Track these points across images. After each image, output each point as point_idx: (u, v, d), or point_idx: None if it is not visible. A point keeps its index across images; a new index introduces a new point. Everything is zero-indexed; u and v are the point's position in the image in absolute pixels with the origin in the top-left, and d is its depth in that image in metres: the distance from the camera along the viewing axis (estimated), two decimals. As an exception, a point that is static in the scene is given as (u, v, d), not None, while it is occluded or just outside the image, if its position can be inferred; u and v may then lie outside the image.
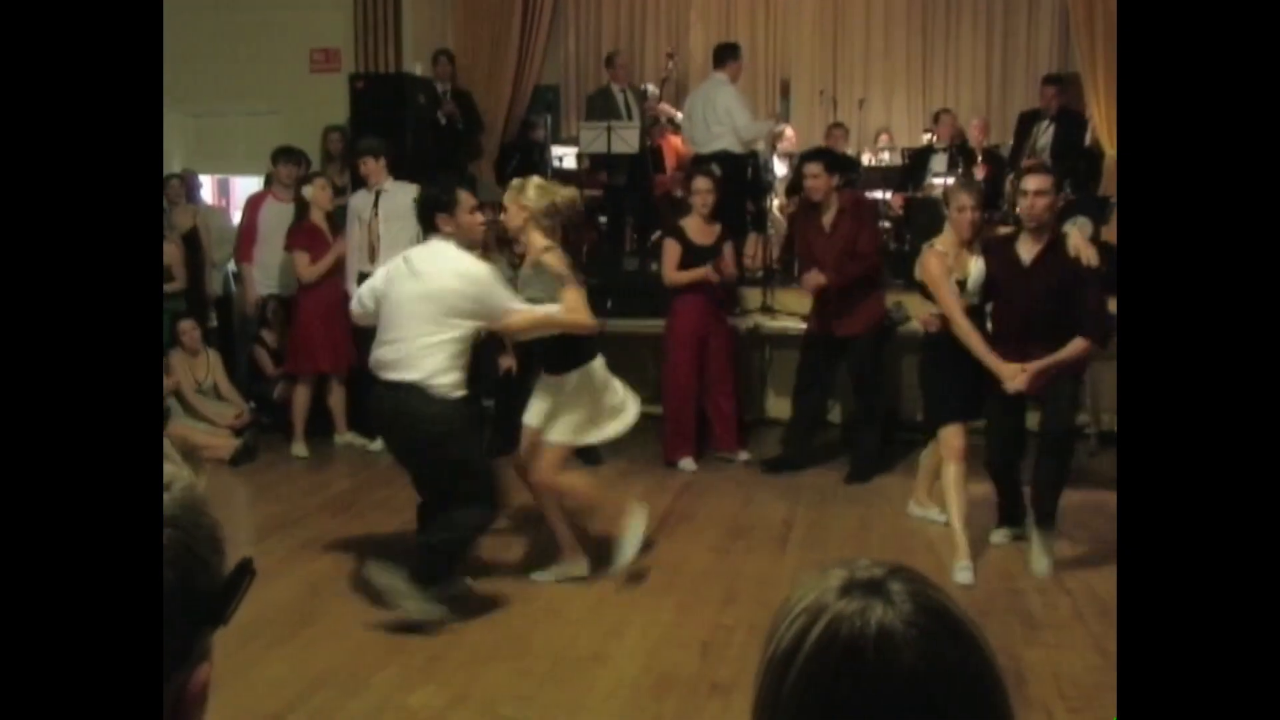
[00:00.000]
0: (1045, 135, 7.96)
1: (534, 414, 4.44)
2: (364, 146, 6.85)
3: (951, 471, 4.67)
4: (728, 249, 6.21)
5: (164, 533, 0.71)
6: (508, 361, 6.18)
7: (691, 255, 6.08)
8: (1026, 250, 4.46)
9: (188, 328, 6.69)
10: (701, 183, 6.11)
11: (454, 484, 3.99)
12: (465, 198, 4.12)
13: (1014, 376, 4.41)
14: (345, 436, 6.82)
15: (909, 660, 0.80)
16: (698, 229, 6.10)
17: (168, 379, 6.51)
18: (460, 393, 4.03)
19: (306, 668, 3.61)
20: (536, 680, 3.56)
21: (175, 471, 0.76)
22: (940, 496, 4.96)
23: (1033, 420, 4.84)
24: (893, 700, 0.79)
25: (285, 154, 7.22)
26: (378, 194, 6.64)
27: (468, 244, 4.15)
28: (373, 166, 6.64)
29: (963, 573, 4.45)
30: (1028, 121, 8.26)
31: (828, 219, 5.89)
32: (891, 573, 0.86)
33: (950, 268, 4.66)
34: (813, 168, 5.88)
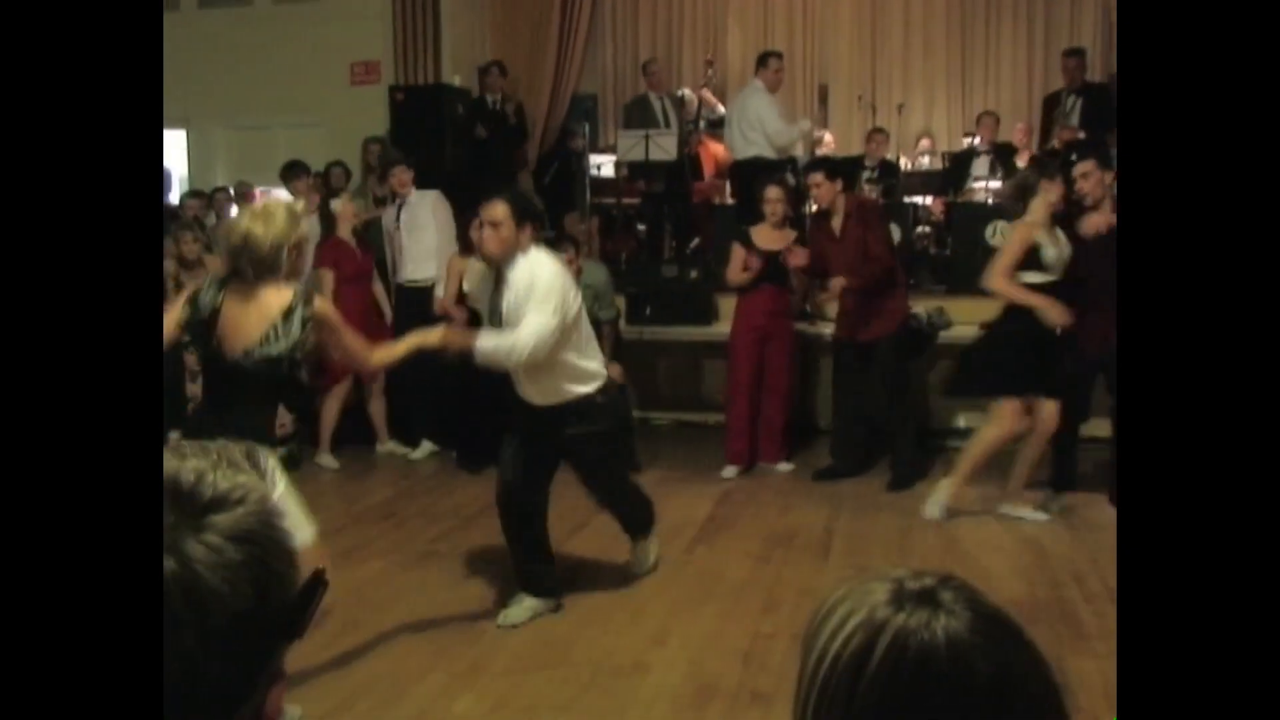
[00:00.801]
0: (1074, 109, 7.84)
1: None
2: (394, 158, 6.93)
3: (992, 434, 5.11)
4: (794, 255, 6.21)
5: (242, 549, 0.69)
6: (613, 371, 6.18)
7: (757, 261, 6.12)
8: (1089, 226, 5.12)
9: None
10: (772, 191, 6.12)
11: None
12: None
13: (1061, 315, 4.87)
14: (387, 445, 6.85)
15: (983, 669, 0.80)
16: (767, 236, 6.11)
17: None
18: None
19: (349, 675, 3.63)
20: (577, 688, 3.56)
21: (251, 483, 0.73)
22: (1030, 498, 5.28)
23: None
24: (971, 711, 0.79)
25: (291, 169, 7.25)
26: (400, 205, 6.69)
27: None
28: (404, 177, 6.68)
29: (933, 506, 5.18)
30: (1052, 102, 8.17)
31: (836, 224, 5.91)
32: (941, 582, 0.86)
33: (1037, 240, 5.01)
34: (815, 177, 5.95)
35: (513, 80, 8.97)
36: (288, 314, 3.22)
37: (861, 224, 5.85)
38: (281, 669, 0.75)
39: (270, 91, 8.82)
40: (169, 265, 6.99)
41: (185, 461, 0.72)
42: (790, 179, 7.82)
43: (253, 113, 9.03)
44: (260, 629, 0.70)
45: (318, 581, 0.76)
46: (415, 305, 6.55)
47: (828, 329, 6.74)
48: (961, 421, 6.91)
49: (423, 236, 6.60)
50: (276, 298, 3.23)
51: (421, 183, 6.84)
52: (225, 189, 8.28)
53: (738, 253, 6.15)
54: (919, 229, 8.11)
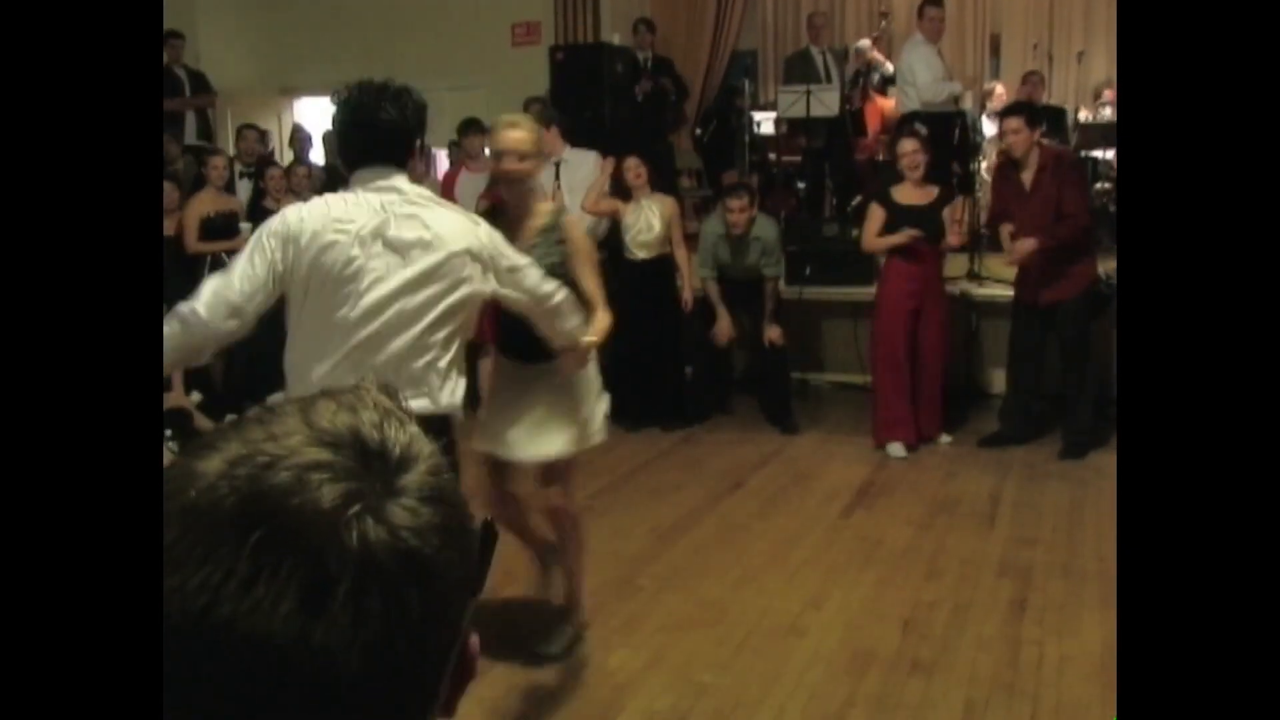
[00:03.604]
0: None
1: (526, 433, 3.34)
2: (544, 118, 6.89)
3: None
4: (948, 213, 5.82)
5: (437, 510, 0.63)
6: (773, 333, 6.15)
7: (898, 219, 5.67)
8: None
9: None
10: (906, 144, 5.72)
11: None
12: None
13: None
14: None
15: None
16: (907, 193, 5.70)
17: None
18: None
19: (507, 629, 3.70)
20: (732, 648, 3.53)
21: (418, 434, 0.66)
22: None
23: None
24: None
25: (470, 125, 7.38)
26: (557, 165, 6.65)
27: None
28: (546, 138, 6.60)
29: None
30: None
31: (1028, 177, 5.47)
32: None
33: None
34: (1013, 122, 5.46)
35: (671, 38, 8.88)
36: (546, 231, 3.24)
37: (1057, 179, 5.39)
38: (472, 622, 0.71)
39: (435, 55, 9.01)
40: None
41: (360, 414, 0.64)
42: (956, 133, 7.54)
43: (419, 76, 9.21)
44: (466, 589, 0.66)
45: (490, 532, 0.72)
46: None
47: (997, 291, 6.45)
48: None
49: (576, 197, 6.59)
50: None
51: (583, 141, 6.82)
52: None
53: (875, 214, 5.73)
54: (1099, 185, 7.67)
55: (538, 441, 3.31)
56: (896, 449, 5.74)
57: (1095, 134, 8.10)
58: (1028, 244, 5.38)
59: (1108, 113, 8.53)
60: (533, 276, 2.83)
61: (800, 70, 8.27)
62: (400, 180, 2.58)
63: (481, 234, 2.68)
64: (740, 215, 6.06)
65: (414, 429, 0.66)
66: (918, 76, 7.35)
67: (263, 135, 8.30)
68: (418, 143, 2.64)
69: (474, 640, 0.70)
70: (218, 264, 6.77)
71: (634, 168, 6.18)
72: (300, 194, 7.42)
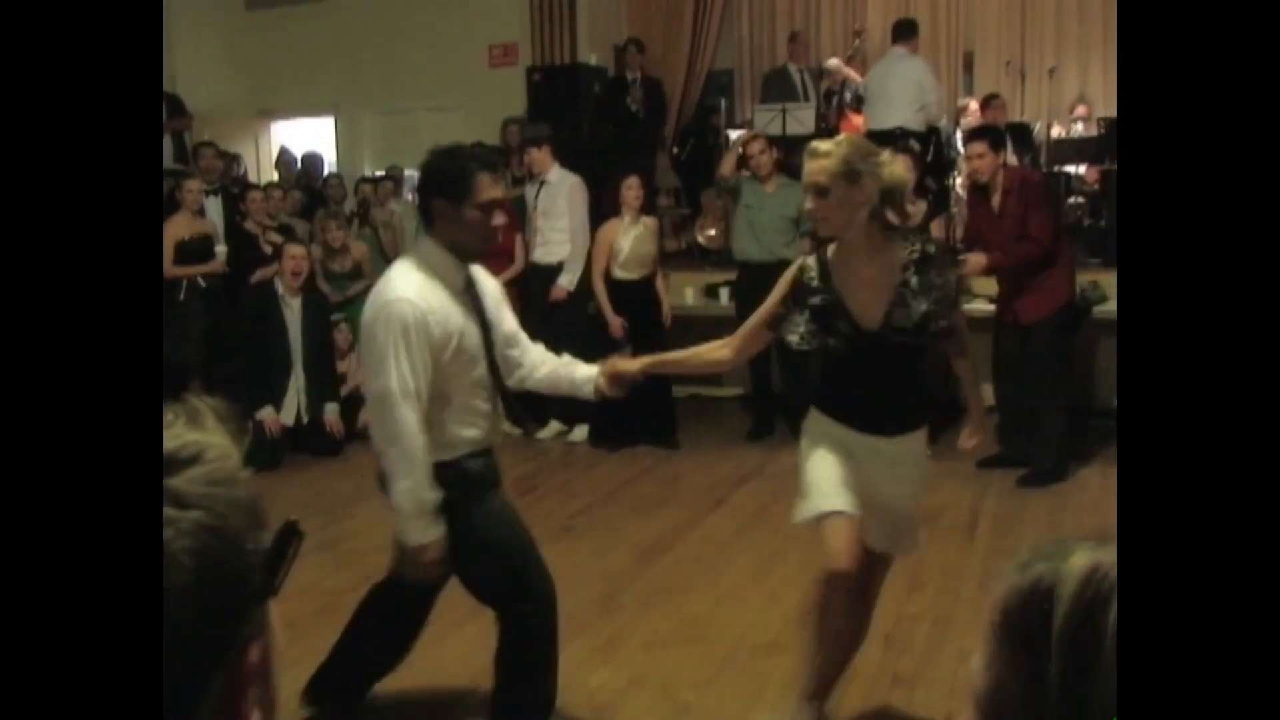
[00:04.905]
0: None
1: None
2: (527, 136, 6.87)
3: None
4: (934, 227, 5.95)
5: (190, 516, 0.64)
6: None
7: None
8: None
9: None
10: (902, 161, 5.89)
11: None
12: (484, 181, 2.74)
13: None
14: (504, 425, 6.88)
15: None
16: None
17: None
18: None
19: (487, 648, 3.68)
20: (715, 666, 3.53)
21: (206, 441, 0.68)
22: None
23: None
24: None
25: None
26: (541, 184, 6.66)
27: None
28: (536, 156, 6.61)
29: None
30: None
31: (996, 200, 5.54)
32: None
33: None
34: (977, 147, 5.53)
35: (649, 57, 8.94)
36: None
37: (1022, 201, 5.45)
38: (262, 626, 0.71)
39: (412, 76, 9.04)
40: (315, 250, 7.26)
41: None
42: (931, 150, 7.62)
43: (396, 98, 9.27)
44: (219, 595, 0.66)
45: (289, 534, 0.72)
46: (544, 284, 6.59)
47: (976, 306, 6.48)
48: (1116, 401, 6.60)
49: (557, 222, 6.59)
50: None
51: (560, 162, 6.84)
52: (391, 177, 8.45)
53: None
54: (1071, 200, 7.74)
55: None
56: None
57: (1069, 149, 8.19)
58: (978, 260, 5.46)
59: (1079, 128, 8.63)
60: None
61: (778, 87, 8.33)
62: None
63: None
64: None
65: (196, 436, 0.69)
66: (929, 93, 7.46)
67: (223, 154, 8.28)
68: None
69: (255, 647, 0.70)
70: (194, 288, 6.75)
71: (635, 187, 6.20)
72: (276, 216, 7.41)
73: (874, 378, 2.80)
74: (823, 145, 2.74)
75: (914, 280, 2.72)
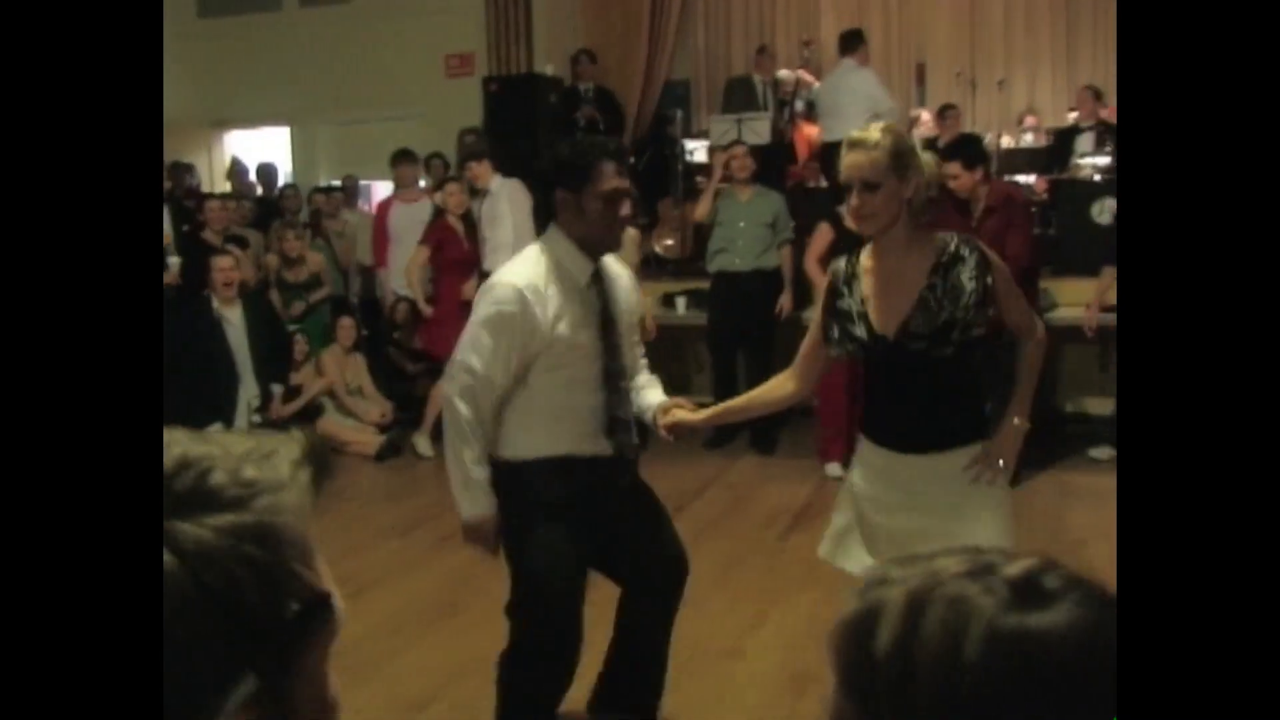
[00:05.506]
0: None
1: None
2: (465, 152, 6.92)
3: None
4: None
5: (237, 550, 0.55)
6: None
7: (847, 242, 5.77)
8: None
9: (347, 324, 6.89)
10: None
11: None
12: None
13: None
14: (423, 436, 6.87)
15: (1106, 661, 0.75)
16: None
17: (322, 378, 6.76)
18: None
19: (451, 656, 3.69)
20: (674, 672, 3.54)
21: (268, 476, 0.58)
22: None
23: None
24: (1097, 706, 0.74)
25: (401, 156, 7.39)
26: (485, 196, 6.71)
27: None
28: (476, 170, 6.67)
29: None
30: None
31: (976, 214, 5.38)
32: (1041, 569, 0.77)
33: None
34: (952, 167, 5.27)
35: (605, 68, 8.98)
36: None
37: (1004, 219, 5.26)
38: (273, 698, 0.58)
39: (368, 86, 9.01)
40: (271, 260, 7.21)
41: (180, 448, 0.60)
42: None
43: (352, 108, 9.23)
44: (216, 684, 0.55)
45: (317, 609, 0.59)
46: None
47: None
48: (1071, 407, 6.72)
49: (500, 228, 6.62)
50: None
51: (516, 172, 6.86)
52: (342, 188, 8.46)
53: (824, 233, 5.79)
54: (1031, 224, 7.88)
55: None
56: (834, 469, 5.82)
57: (1019, 159, 8.35)
58: None
59: (1029, 138, 8.79)
60: None
61: (740, 95, 8.42)
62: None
63: None
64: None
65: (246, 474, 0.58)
66: (881, 103, 7.57)
67: (174, 166, 8.22)
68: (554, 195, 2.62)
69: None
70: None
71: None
72: (227, 228, 7.35)
73: (895, 387, 2.58)
74: (870, 135, 2.50)
75: (939, 284, 2.49)
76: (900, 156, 2.47)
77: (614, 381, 2.67)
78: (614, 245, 2.66)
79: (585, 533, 2.72)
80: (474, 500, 2.65)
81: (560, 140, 2.73)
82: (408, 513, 5.58)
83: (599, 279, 2.64)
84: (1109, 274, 5.81)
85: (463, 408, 2.56)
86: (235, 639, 0.55)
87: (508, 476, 2.65)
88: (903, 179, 2.46)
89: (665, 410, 2.74)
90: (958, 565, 0.78)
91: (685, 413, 2.77)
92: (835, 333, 2.62)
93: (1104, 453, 5.91)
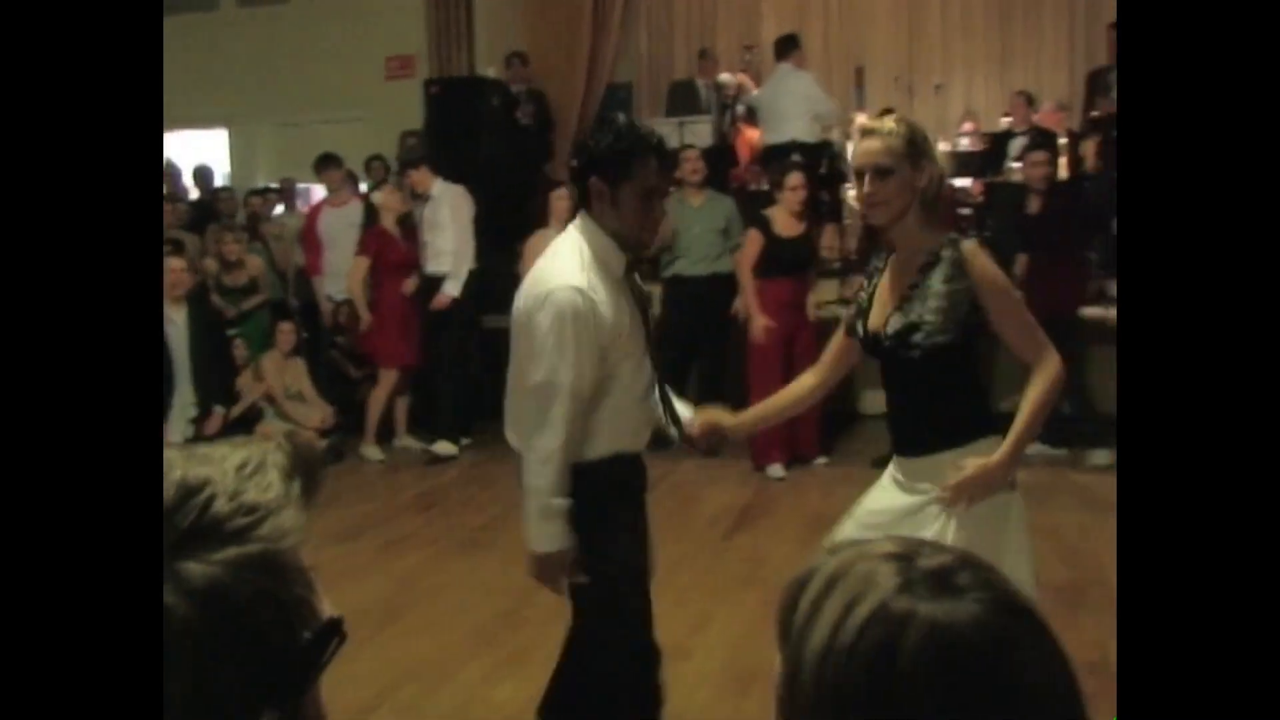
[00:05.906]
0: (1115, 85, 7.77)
1: None
2: (403, 159, 6.89)
3: None
4: (826, 237, 6.05)
5: (241, 582, 0.55)
6: None
7: (777, 248, 5.90)
8: None
9: (286, 329, 6.82)
10: (794, 178, 5.96)
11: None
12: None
13: None
14: (404, 440, 6.87)
15: (1018, 660, 0.74)
16: (785, 222, 5.94)
17: (261, 383, 6.68)
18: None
19: (395, 662, 3.67)
20: (619, 675, 3.57)
21: (268, 498, 0.58)
22: None
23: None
24: (1007, 707, 0.72)
25: (324, 161, 7.33)
26: (426, 201, 6.70)
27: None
28: (415, 177, 6.67)
29: None
30: (1095, 77, 8.08)
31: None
32: (958, 562, 0.78)
33: None
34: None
35: (547, 70, 8.97)
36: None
37: None
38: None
39: (308, 88, 8.91)
40: (210, 264, 7.11)
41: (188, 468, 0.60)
42: (824, 162, 7.82)
43: (292, 110, 9.12)
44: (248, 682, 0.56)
45: (329, 636, 0.61)
46: (431, 295, 6.62)
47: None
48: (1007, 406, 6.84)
49: (441, 235, 6.62)
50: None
51: (458, 174, 6.84)
52: (277, 189, 8.38)
53: (754, 240, 5.92)
54: (958, 211, 8.02)
55: None
56: (776, 470, 5.89)
57: (956, 163, 8.50)
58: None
59: (965, 143, 8.95)
60: None
61: (683, 98, 8.48)
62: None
63: None
64: None
65: (262, 489, 0.58)
66: (819, 104, 7.71)
67: None
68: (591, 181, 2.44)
69: None
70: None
71: (564, 198, 6.19)
72: (166, 229, 7.22)
73: (887, 386, 2.54)
74: (885, 123, 2.44)
75: (920, 283, 2.39)
76: (915, 144, 2.39)
77: (654, 374, 2.55)
78: (648, 243, 2.54)
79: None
80: (552, 534, 2.44)
81: (601, 127, 2.52)
82: (351, 519, 5.54)
83: (632, 271, 2.51)
84: (1021, 261, 6.02)
85: (557, 432, 2.33)
86: (254, 674, 0.56)
87: (588, 482, 2.44)
88: (916, 168, 2.38)
89: (706, 427, 2.64)
90: (887, 548, 0.79)
91: (725, 416, 2.70)
92: (855, 326, 2.57)
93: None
